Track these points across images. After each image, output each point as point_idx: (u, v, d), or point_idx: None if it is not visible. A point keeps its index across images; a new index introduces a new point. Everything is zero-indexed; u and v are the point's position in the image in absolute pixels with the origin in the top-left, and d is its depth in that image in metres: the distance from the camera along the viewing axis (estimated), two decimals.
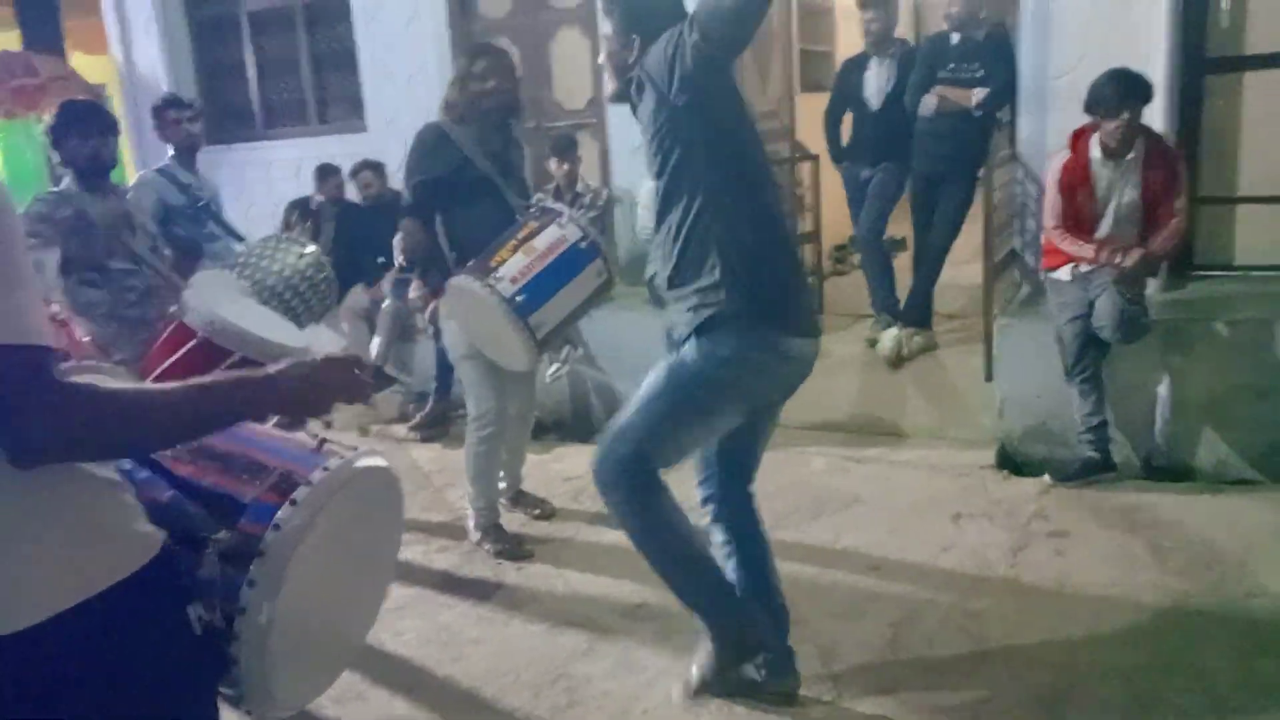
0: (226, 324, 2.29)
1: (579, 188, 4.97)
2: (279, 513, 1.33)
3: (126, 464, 1.36)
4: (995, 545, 3.19)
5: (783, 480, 3.84)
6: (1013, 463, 3.83)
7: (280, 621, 1.32)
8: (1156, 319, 3.56)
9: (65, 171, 3.35)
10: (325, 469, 1.41)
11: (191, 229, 3.92)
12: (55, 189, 3.38)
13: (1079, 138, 3.64)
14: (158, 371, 2.29)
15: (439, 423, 4.93)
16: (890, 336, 4.77)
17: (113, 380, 1.32)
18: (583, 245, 2.85)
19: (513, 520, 3.67)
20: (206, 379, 1.18)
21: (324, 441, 1.49)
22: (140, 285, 3.27)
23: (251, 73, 6.32)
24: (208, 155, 4.39)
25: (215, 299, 2.42)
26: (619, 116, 5.05)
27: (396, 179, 4.99)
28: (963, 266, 5.06)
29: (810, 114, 5.68)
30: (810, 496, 3.70)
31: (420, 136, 3.29)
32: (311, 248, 3.33)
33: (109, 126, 3.32)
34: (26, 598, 1.09)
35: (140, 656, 1.19)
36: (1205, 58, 3.97)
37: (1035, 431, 3.84)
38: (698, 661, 2.42)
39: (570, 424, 4.82)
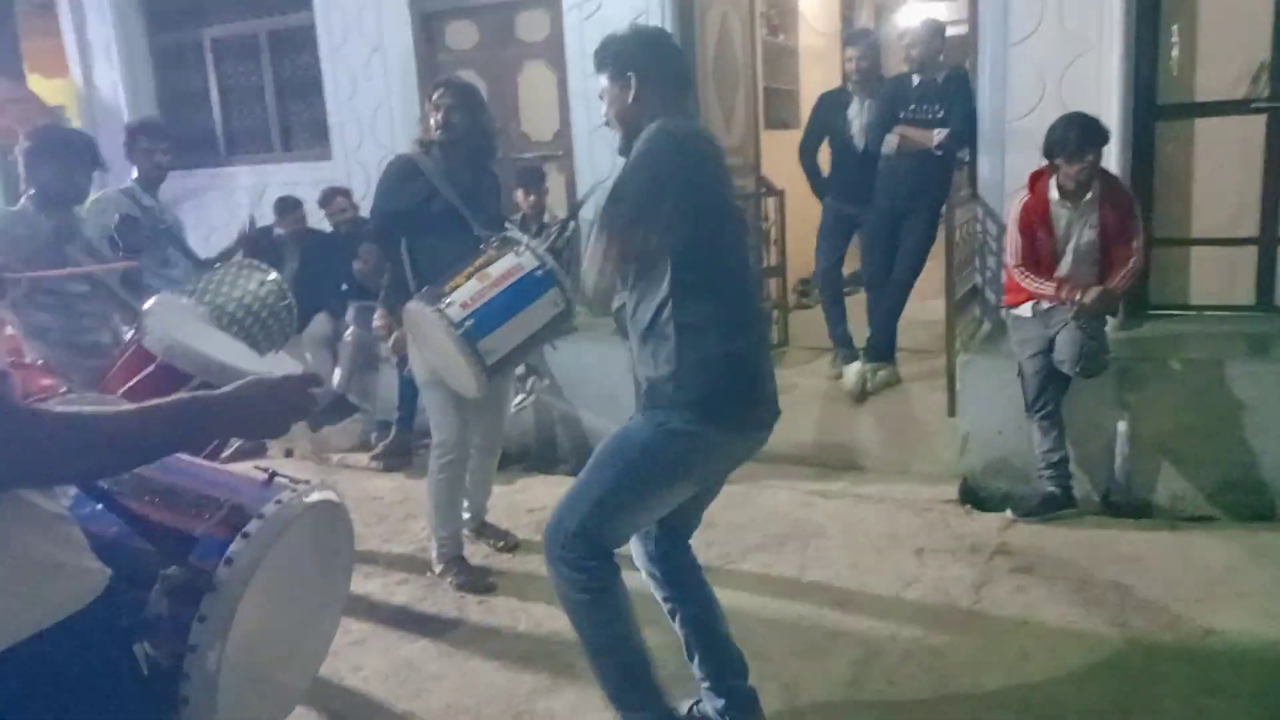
0: (186, 348, 2.25)
1: (545, 219, 4.97)
2: (231, 546, 1.30)
3: (72, 499, 1.32)
4: (958, 580, 3.20)
5: (747, 513, 3.83)
6: (975, 498, 3.86)
7: (231, 658, 1.28)
8: (1114, 357, 3.62)
9: (26, 191, 3.28)
10: (278, 502, 1.38)
11: (149, 252, 3.86)
12: (12, 208, 3.31)
13: (1037, 179, 3.71)
14: (117, 395, 2.24)
15: (401, 452, 4.87)
16: (854, 371, 4.81)
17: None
18: (539, 274, 2.83)
19: (476, 552, 3.62)
20: (164, 401, 1.15)
21: (274, 475, 1.46)
22: (96, 310, 3.20)
23: (214, 98, 6.27)
24: (168, 180, 4.32)
25: (174, 323, 2.38)
26: (586, 149, 5.09)
27: (363, 207, 4.96)
28: (926, 302, 5.12)
29: (774, 151, 5.76)
30: (774, 530, 3.69)
31: (390, 167, 3.31)
32: (273, 274, 3.29)
33: (95, 161, 3.27)
34: None
35: (85, 697, 1.15)
36: (1156, 104, 4.09)
37: (997, 467, 3.88)
38: None
39: (535, 455, 4.78)
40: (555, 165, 5.39)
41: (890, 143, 4.69)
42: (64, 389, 1.81)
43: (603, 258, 2.06)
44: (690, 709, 2.44)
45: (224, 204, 6.09)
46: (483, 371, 2.81)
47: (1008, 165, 4.24)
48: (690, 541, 2.43)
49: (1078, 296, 3.53)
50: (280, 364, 2.97)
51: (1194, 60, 4.03)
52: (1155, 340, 3.93)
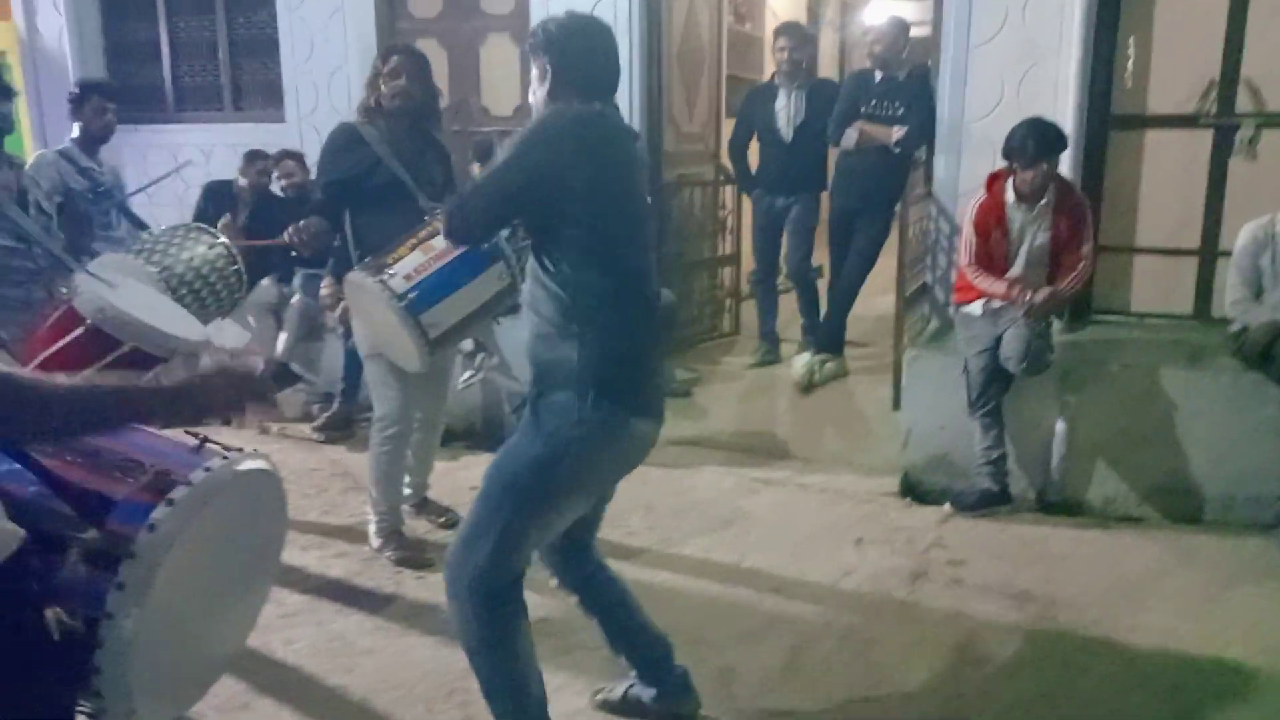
0: (119, 313, 2.17)
1: None
2: (154, 512, 1.25)
3: None
4: (894, 572, 3.24)
5: (689, 498, 3.85)
6: (915, 491, 3.91)
7: (148, 628, 1.24)
8: (1056, 359, 3.69)
9: None
10: (207, 469, 1.33)
11: (91, 214, 3.76)
12: None
13: (994, 181, 3.76)
14: (40, 358, 2.15)
15: (344, 424, 4.78)
16: (802, 362, 4.85)
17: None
18: (484, 247, 2.79)
19: (416, 528, 3.58)
20: (129, 385, 1.12)
21: (205, 441, 1.41)
22: (27, 265, 3.09)
23: (165, 52, 6.07)
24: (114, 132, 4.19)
25: (110, 286, 2.29)
26: None
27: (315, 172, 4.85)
28: (876, 297, 5.18)
29: None
30: (716, 515, 3.70)
31: (332, 135, 3.24)
32: (221, 239, 3.22)
33: (3, 91, 3.13)
34: None
35: None
36: (1110, 114, 4.16)
37: (938, 462, 3.93)
38: None
39: (480, 432, 4.73)
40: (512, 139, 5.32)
41: (850, 137, 4.72)
42: None
43: (484, 208, 2.10)
44: (624, 693, 2.44)
45: (169, 162, 5.88)
46: (425, 345, 2.77)
47: (964, 166, 4.29)
48: (593, 546, 2.38)
49: (1028, 296, 3.59)
50: (223, 331, 2.90)
51: (1148, 73, 4.11)
52: (1096, 344, 4.01)
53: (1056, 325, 3.92)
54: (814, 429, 4.46)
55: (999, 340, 3.64)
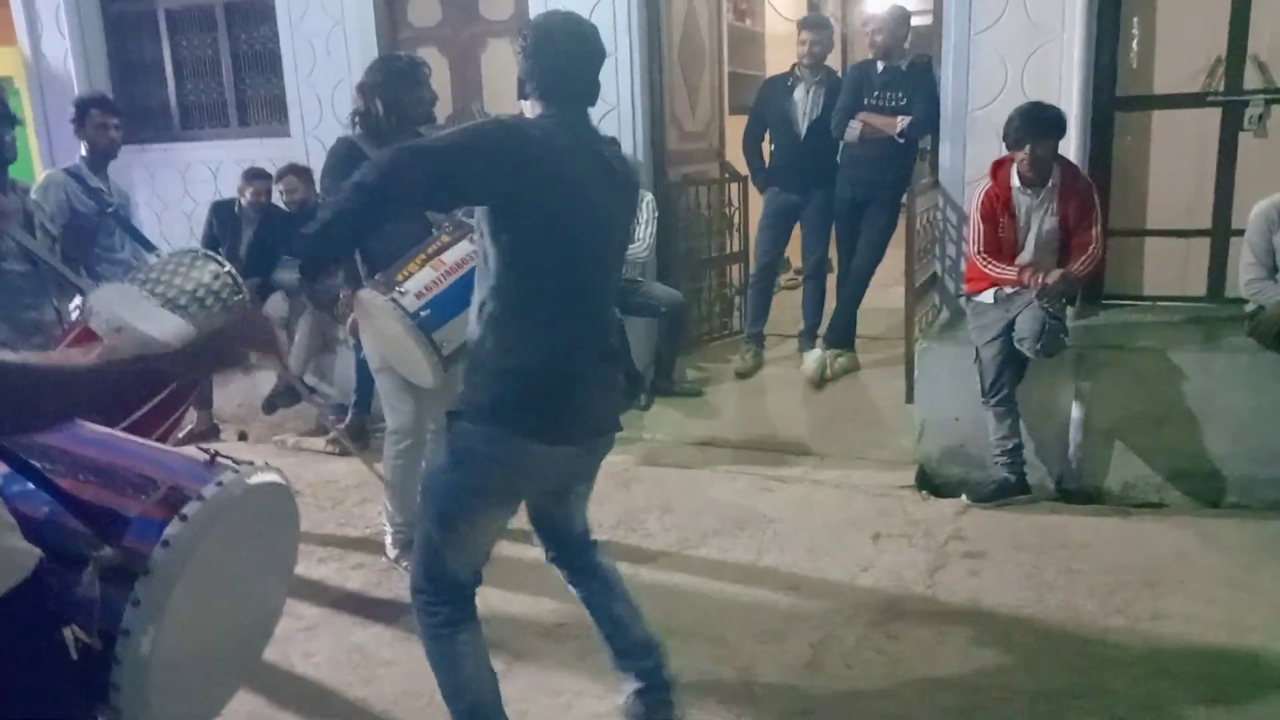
0: (133, 330, 2.18)
1: None
2: (168, 529, 1.25)
3: (1, 478, 1.27)
4: (912, 566, 3.22)
5: (705, 499, 3.84)
6: (931, 484, 3.90)
7: (166, 643, 1.24)
8: (1070, 344, 3.66)
9: None
10: (219, 484, 1.33)
11: (95, 235, 3.78)
12: None
13: (999, 167, 3.74)
14: None
15: (358, 436, 4.79)
16: (814, 358, 4.83)
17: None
18: None
19: None
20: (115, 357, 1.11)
21: (216, 455, 1.41)
22: (36, 287, 3.11)
23: (169, 71, 6.11)
24: (119, 156, 4.21)
25: (121, 305, 2.31)
26: None
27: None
28: (887, 290, 5.15)
29: (739, 135, 5.72)
30: (732, 516, 3.69)
31: (333, 151, 3.21)
32: (227, 266, 3.21)
33: (5, 119, 3.15)
34: None
35: (11, 681, 1.10)
36: (1116, 96, 4.13)
37: (953, 453, 3.91)
38: None
39: None
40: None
41: (854, 130, 4.70)
42: None
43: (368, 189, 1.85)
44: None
45: (178, 180, 5.95)
46: (438, 362, 2.77)
47: (969, 154, 4.28)
48: (592, 539, 2.38)
49: (1040, 279, 3.56)
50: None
51: (1153, 53, 4.08)
52: (1110, 329, 3.99)
53: (1069, 311, 3.89)
54: (827, 424, 4.44)
55: (1011, 327, 3.62)
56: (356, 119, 3.21)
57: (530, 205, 1.91)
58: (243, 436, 5.05)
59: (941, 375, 3.94)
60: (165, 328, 2.41)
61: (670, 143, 5.18)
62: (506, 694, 2.58)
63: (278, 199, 5.20)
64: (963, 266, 4.07)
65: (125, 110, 4.32)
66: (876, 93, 4.68)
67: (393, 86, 3.15)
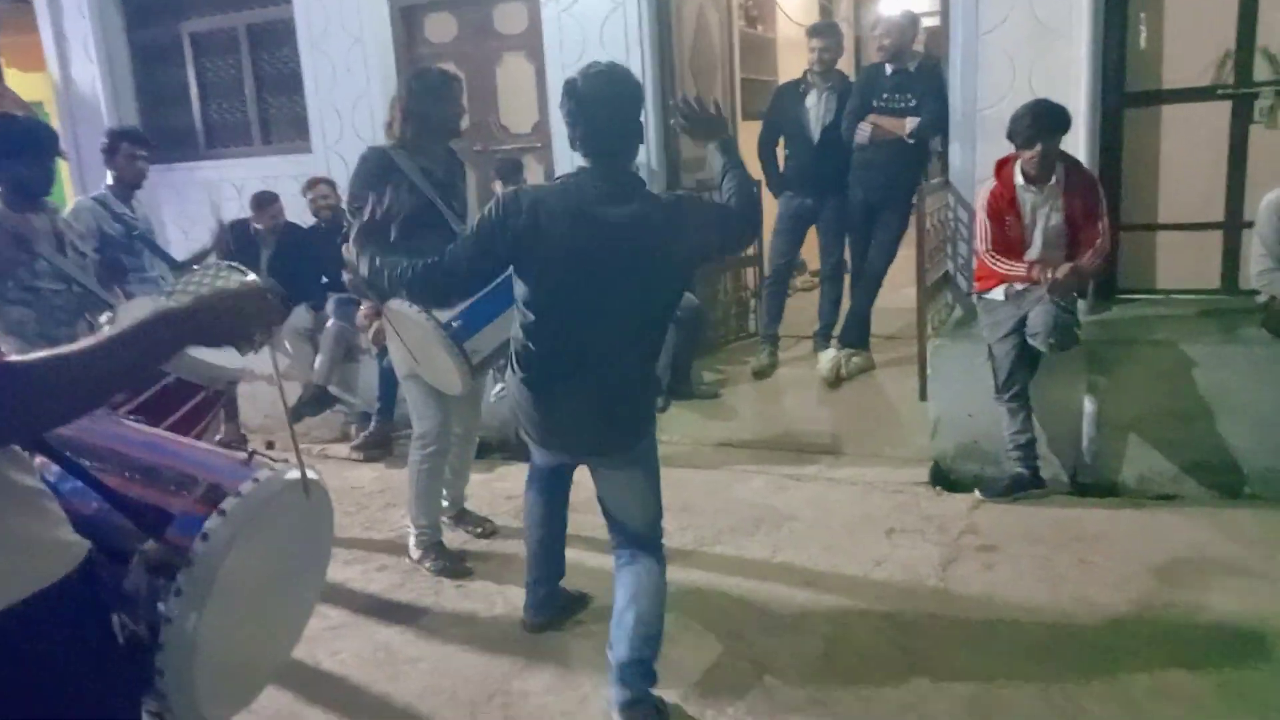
0: None
1: None
2: (207, 523, 1.34)
3: (53, 475, 1.36)
4: (926, 560, 3.27)
5: (722, 498, 3.90)
6: (946, 480, 3.93)
7: (206, 632, 1.33)
8: (1083, 339, 3.69)
9: None
10: (255, 480, 1.42)
11: (125, 258, 3.93)
12: None
13: (1004, 165, 3.78)
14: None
15: (381, 443, 4.90)
16: (829, 357, 4.88)
17: None
18: None
19: (454, 539, 3.67)
20: (127, 325, 1.18)
21: (254, 454, 1.50)
22: (70, 305, 3.23)
23: (194, 93, 6.27)
24: (149, 174, 4.35)
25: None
26: (565, 140, 5.12)
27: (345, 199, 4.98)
28: (900, 290, 5.19)
29: (752, 141, 5.79)
30: (749, 514, 3.75)
31: (364, 159, 3.25)
32: (251, 276, 3.31)
33: (53, 151, 3.28)
34: None
35: (62, 665, 1.19)
36: (1125, 91, 4.16)
37: (967, 449, 3.95)
38: None
39: (514, 444, 4.82)
40: (534, 156, 5.43)
41: (863, 132, 4.75)
42: None
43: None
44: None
45: (204, 199, 6.09)
46: (468, 371, 2.86)
47: (979, 153, 4.31)
48: (639, 545, 2.56)
49: (1049, 274, 3.60)
50: (259, 359, 2.99)
51: (1162, 47, 4.10)
52: (1123, 322, 4.01)
53: (1081, 306, 3.92)
54: (843, 423, 4.49)
55: (1023, 323, 3.66)
56: (388, 129, 3.30)
57: (523, 269, 2.34)
58: (270, 445, 5.16)
59: (955, 372, 3.98)
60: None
61: (684, 150, 5.26)
62: (526, 688, 2.69)
63: (305, 209, 5.31)
64: (974, 264, 4.11)
65: (152, 132, 4.46)
66: (885, 95, 4.73)
67: (424, 100, 3.22)
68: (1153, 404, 3.71)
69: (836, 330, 5.12)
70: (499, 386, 4.58)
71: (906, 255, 4.85)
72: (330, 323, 5.11)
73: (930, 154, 5.07)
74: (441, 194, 3.25)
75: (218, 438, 4.86)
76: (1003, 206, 3.73)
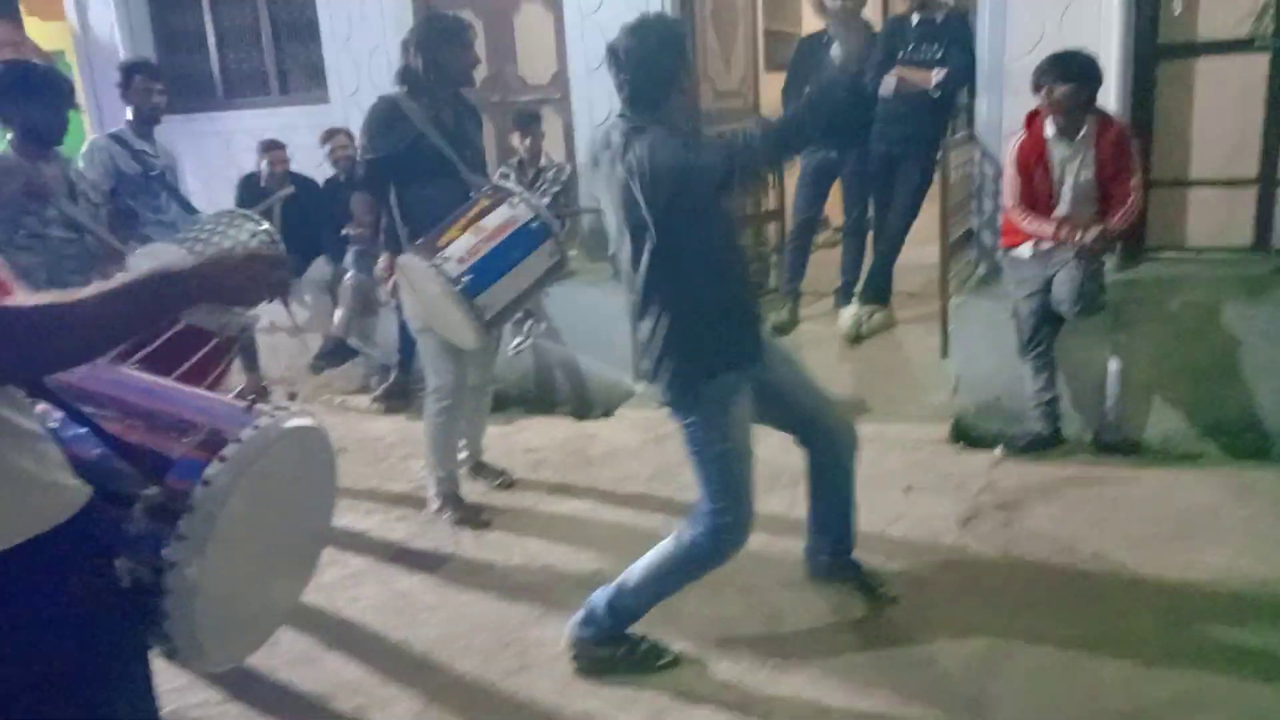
0: None
1: (542, 162, 4.96)
2: (208, 469, 1.34)
3: (54, 421, 1.36)
4: (943, 516, 3.25)
5: None
6: (966, 437, 3.89)
7: (210, 577, 1.33)
8: (1109, 298, 3.62)
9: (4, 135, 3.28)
10: (255, 427, 1.41)
11: (141, 198, 3.89)
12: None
13: (1034, 118, 3.68)
14: None
15: (401, 394, 4.92)
16: (850, 314, 4.83)
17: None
18: (533, 225, 2.84)
19: (473, 490, 3.69)
20: (129, 279, 1.18)
21: (255, 402, 1.49)
22: (81, 254, 3.23)
23: (211, 42, 6.22)
24: (166, 125, 4.33)
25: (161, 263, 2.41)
26: (584, 91, 5.05)
27: None
28: (923, 246, 5.10)
29: (775, 93, 5.68)
30: (766, 470, 3.66)
31: (373, 109, 3.24)
32: (264, 225, 3.30)
33: (69, 101, 3.26)
34: None
35: (66, 606, 1.20)
36: (1158, 44, 4.03)
37: (989, 407, 3.90)
38: None
39: (533, 397, 4.84)
40: (552, 108, 5.35)
41: (888, 84, 4.64)
42: None
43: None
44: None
45: (223, 149, 6.07)
46: (480, 325, 2.84)
47: (1006, 106, 4.19)
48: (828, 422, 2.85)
49: (1078, 236, 3.52)
50: (270, 308, 2.99)
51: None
52: (1150, 281, 3.93)
53: (1109, 264, 3.84)
54: (863, 380, 4.45)
55: (1049, 282, 3.58)
56: (399, 76, 3.26)
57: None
58: (292, 396, 5.20)
59: (977, 330, 3.92)
60: None
61: (705, 102, 5.17)
62: (541, 636, 2.71)
63: (321, 160, 5.28)
64: (999, 221, 4.03)
65: (170, 80, 4.41)
66: (911, 46, 4.61)
67: (436, 46, 3.18)
68: (1178, 363, 3.65)
69: (858, 287, 5.05)
70: (517, 340, 4.58)
71: (930, 211, 4.76)
72: (349, 275, 5.10)
73: (957, 107, 4.95)
74: (451, 142, 3.22)
75: (239, 388, 4.91)
76: (1031, 159, 3.64)
